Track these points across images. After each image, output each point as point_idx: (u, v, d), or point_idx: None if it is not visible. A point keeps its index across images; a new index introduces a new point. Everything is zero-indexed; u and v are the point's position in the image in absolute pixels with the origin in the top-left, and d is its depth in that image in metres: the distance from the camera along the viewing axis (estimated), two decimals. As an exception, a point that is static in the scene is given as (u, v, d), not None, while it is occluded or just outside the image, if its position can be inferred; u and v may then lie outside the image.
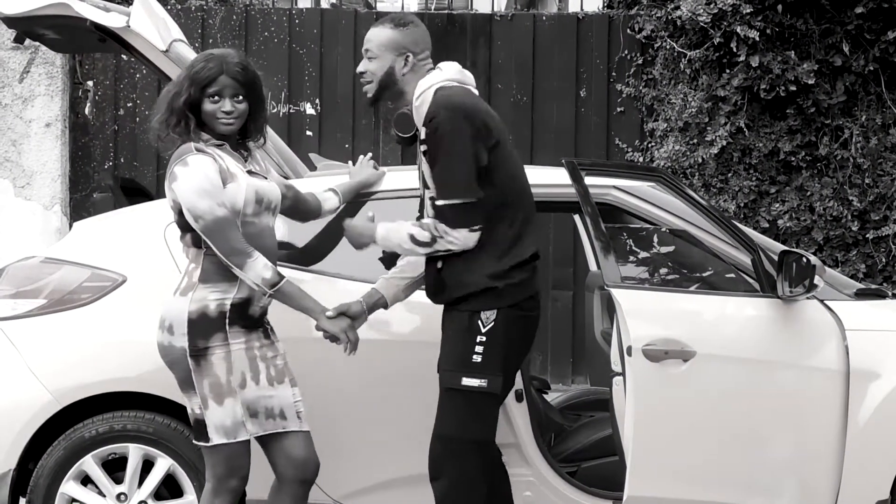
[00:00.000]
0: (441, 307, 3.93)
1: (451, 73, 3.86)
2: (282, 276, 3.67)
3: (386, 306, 4.01)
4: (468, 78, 3.92)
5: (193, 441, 3.77)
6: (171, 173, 3.66)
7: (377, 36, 3.85)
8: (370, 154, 4.47)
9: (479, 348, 3.75)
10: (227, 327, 3.67)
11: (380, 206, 4.40)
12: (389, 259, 4.17)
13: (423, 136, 3.77)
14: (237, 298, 3.69)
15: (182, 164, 3.63)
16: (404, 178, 4.45)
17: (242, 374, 3.68)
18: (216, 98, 3.68)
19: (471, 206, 3.72)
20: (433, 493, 3.86)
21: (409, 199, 4.28)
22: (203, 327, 3.64)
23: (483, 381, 3.75)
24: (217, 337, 3.65)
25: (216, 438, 3.67)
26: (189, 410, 3.73)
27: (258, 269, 3.63)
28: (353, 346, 3.82)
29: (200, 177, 3.61)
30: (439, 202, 3.73)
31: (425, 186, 3.86)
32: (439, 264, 3.82)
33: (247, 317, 3.71)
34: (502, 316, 3.77)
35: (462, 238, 3.72)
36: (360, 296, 3.95)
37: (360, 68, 3.89)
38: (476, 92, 3.92)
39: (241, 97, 3.71)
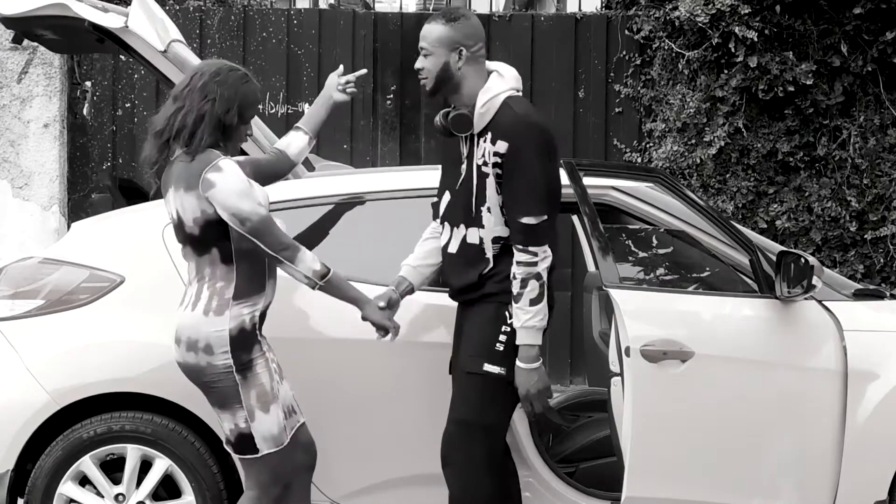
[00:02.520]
0: (441, 307, 3.95)
1: (511, 80, 3.94)
2: (329, 268, 3.69)
3: (412, 292, 4.07)
4: (521, 84, 4.02)
5: (237, 456, 3.77)
6: (203, 181, 3.60)
7: (431, 32, 3.90)
8: (341, 67, 4.42)
9: (502, 338, 3.84)
10: (259, 336, 3.72)
11: (380, 208, 4.41)
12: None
13: (501, 151, 3.79)
14: (264, 307, 3.74)
15: (215, 169, 3.60)
16: (406, 178, 4.46)
17: (276, 379, 3.73)
18: (247, 119, 3.74)
19: (548, 222, 3.81)
20: (445, 478, 3.89)
21: (415, 200, 4.31)
22: (243, 341, 3.66)
23: (503, 369, 3.83)
24: (256, 348, 3.69)
25: (265, 448, 3.69)
26: (230, 426, 3.70)
27: (308, 261, 3.65)
28: (396, 333, 3.90)
29: (237, 179, 3.61)
30: (531, 220, 3.77)
31: (465, 190, 3.89)
32: (484, 270, 3.86)
33: (263, 322, 3.76)
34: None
35: (542, 254, 3.81)
36: (387, 287, 3.99)
37: (416, 65, 3.94)
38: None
39: None
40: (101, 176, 8.24)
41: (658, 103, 8.37)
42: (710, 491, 4.13)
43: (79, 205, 8.27)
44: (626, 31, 8.50)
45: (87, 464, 4.16)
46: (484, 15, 8.67)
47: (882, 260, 8.24)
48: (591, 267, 5.63)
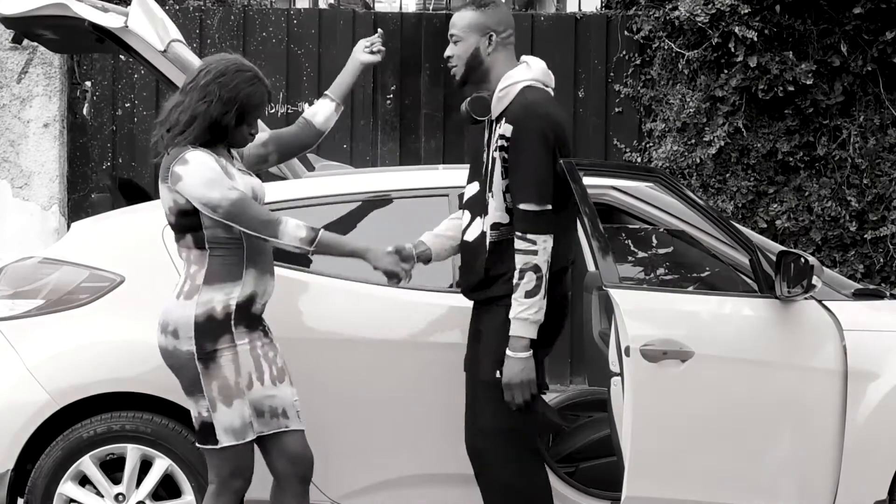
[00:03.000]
0: (442, 308, 3.95)
1: (537, 72, 3.93)
2: (317, 230, 3.66)
3: (429, 261, 4.06)
4: (550, 80, 4.00)
5: (198, 445, 3.76)
6: (171, 174, 3.63)
7: (461, 19, 3.93)
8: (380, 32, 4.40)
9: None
10: (233, 328, 3.67)
11: (380, 208, 4.41)
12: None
13: (506, 135, 3.80)
14: (241, 298, 3.68)
15: (181, 162, 3.61)
16: (408, 178, 4.47)
17: (249, 375, 3.68)
18: (250, 121, 3.72)
19: (550, 213, 3.79)
20: (480, 488, 3.91)
21: (418, 200, 4.31)
22: (210, 330, 3.63)
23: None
24: (224, 339, 3.65)
25: (225, 440, 3.67)
26: (194, 414, 3.71)
27: (292, 231, 3.62)
28: (408, 277, 3.87)
29: (202, 168, 3.60)
30: (531, 206, 3.77)
31: (483, 177, 3.91)
32: (486, 263, 3.87)
33: (250, 316, 3.71)
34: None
35: (541, 242, 3.77)
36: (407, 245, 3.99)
37: (446, 53, 3.95)
38: (553, 94, 4.00)
39: None
40: (101, 176, 8.24)
41: (658, 103, 8.37)
42: (709, 491, 4.13)
43: (79, 205, 8.27)
44: (626, 31, 8.50)
45: (87, 464, 4.16)
46: (484, 15, 8.66)
47: (882, 260, 8.24)
48: (591, 267, 5.63)
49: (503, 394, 3.82)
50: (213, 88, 3.65)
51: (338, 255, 3.75)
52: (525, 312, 3.78)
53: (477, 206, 3.95)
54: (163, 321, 3.70)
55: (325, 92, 4.21)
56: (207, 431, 3.68)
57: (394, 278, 3.84)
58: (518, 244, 3.78)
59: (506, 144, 3.80)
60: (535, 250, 3.76)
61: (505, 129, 3.81)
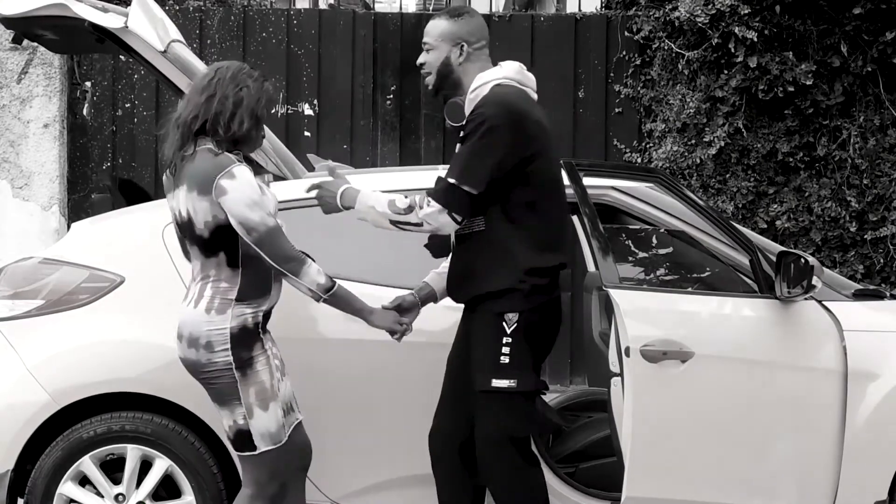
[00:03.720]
0: (443, 308, 3.96)
1: (510, 71, 3.92)
2: (335, 281, 3.70)
3: (436, 300, 4.10)
4: (528, 80, 3.97)
5: (237, 452, 3.78)
6: (216, 187, 3.60)
7: (434, 28, 3.93)
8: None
9: (506, 349, 3.82)
10: (261, 335, 3.72)
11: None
12: (438, 247, 4.17)
13: (464, 124, 3.83)
14: (268, 308, 3.75)
15: (228, 176, 3.60)
16: (417, 177, 4.47)
17: (277, 377, 3.73)
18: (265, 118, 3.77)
19: (467, 195, 3.75)
20: (492, 495, 3.94)
21: None
22: (245, 340, 3.67)
23: (512, 381, 3.83)
24: (257, 346, 3.70)
25: (263, 445, 3.70)
26: (228, 423, 3.72)
27: (313, 274, 3.66)
28: (405, 332, 3.92)
29: (249, 188, 3.62)
30: (443, 176, 3.78)
31: None
32: (467, 257, 3.87)
33: (267, 321, 3.78)
34: (525, 317, 3.84)
35: (441, 221, 3.75)
36: (406, 292, 4.04)
37: (419, 60, 3.97)
38: (535, 95, 3.97)
39: None
40: (101, 176, 8.24)
41: (658, 103, 8.37)
42: (710, 491, 4.13)
43: (79, 205, 8.27)
44: (626, 32, 8.50)
45: (87, 464, 4.16)
46: (484, 15, 8.66)
47: (882, 260, 8.24)
48: (591, 267, 5.63)
49: (500, 402, 3.83)
50: (244, 78, 3.70)
51: (343, 310, 3.80)
52: (371, 199, 3.81)
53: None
54: (190, 335, 3.68)
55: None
56: (244, 439, 3.70)
57: (394, 335, 3.92)
58: (413, 214, 3.77)
59: (462, 133, 3.82)
60: (423, 208, 3.74)
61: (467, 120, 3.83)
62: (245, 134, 3.68)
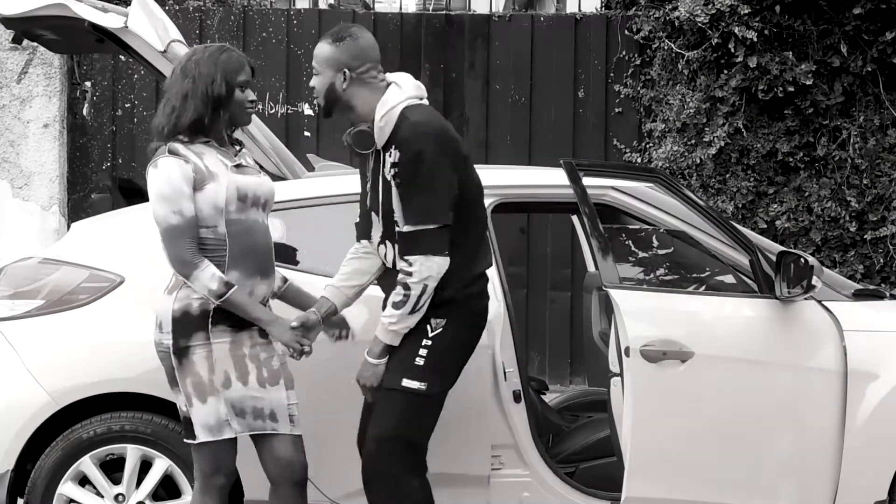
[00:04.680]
0: None
1: (410, 89, 3.83)
2: (230, 287, 3.62)
3: (336, 314, 3.99)
4: (423, 91, 3.89)
5: (184, 439, 3.79)
6: (146, 173, 3.68)
7: (319, 52, 3.83)
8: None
9: (423, 352, 3.77)
10: (211, 327, 3.66)
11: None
12: (364, 229, 4.06)
13: (395, 161, 3.72)
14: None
15: (153, 165, 3.66)
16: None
17: (226, 374, 3.67)
18: (244, 88, 3.71)
19: (446, 230, 3.71)
20: (367, 499, 3.83)
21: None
22: (185, 326, 3.65)
23: (423, 384, 3.77)
24: (199, 336, 3.65)
25: (202, 436, 3.68)
26: (179, 407, 3.75)
27: (204, 279, 3.61)
28: (304, 354, 3.78)
29: (163, 181, 3.61)
30: (409, 228, 3.70)
31: (382, 207, 3.82)
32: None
33: (233, 316, 3.69)
34: (451, 324, 3.79)
35: (431, 266, 3.69)
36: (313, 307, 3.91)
37: (311, 83, 3.90)
38: (428, 103, 3.90)
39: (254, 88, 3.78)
40: (101, 176, 8.24)
41: (658, 103, 8.37)
42: (710, 491, 4.13)
43: (79, 205, 8.27)
44: (626, 32, 8.51)
45: (87, 464, 4.16)
46: (484, 15, 8.68)
47: (882, 260, 8.24)
48: (591, 267, 5.63)
49: (406, 403, 3.77)
50: (191, 66, 3.68)
51: (245, 317, 3.70)
52: (386, 320, 3.75)
53: (387, 233, 3.83)
54: (156, 314, 3.74)
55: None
56: (188, 425, 3.71)
57: (296, 352, 3.78)
58: (399, 264, 3.73)
59: (395, 171, 3.72)
60: (410, 271, 3.68)
61: (394, 155, 3.73)
62: (198, 121, 3.64)
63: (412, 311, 3.72)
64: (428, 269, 3.69)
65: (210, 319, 3.66)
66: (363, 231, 3.99)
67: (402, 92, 3.80)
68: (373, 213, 3.89)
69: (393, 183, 3.75)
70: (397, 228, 3.75)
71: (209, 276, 3.61)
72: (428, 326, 3.78)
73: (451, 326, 3.79)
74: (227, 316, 3.68)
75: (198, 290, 3.62)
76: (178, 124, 3.66)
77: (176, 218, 3.61)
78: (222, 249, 3.68)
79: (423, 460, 3.86)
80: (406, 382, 3.76)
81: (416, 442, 3.81)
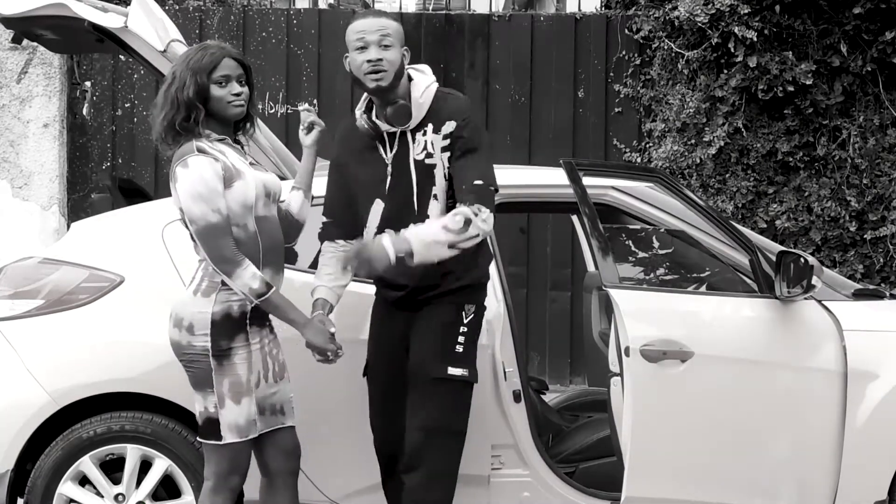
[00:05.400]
0: None
1: (432, 76, 3.93)
2: (270, 287, 3.64)
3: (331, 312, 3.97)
4: None
5: (199, 439, 3.77)
6: (173, 173, 3.64)
7: (390, 25, 3.80)
8: (305, 105, 4.21)
9: (461, 339, 3.82)
10: (248, 327, 3.69)
11: None
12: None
13: (450, 132, 3.76)
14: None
15: (182, 164, 3.61)
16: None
17: (258, 373, 3.71)
18: (223, 83, 3.67)
19: (496, 193, 3.79)
20: (406, 483, 3.83)
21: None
22: (227, 328, 3.65)
23: (465, 370, 3.81)
24: (239, 337, 3.67)
25: (229, 437, 3.68)
26: (199, 409, 3.71)
27: (246, 278, 3.60)
28: (338, 356, 3.80)
29: (196, 180, 3.59)
30: (479, 182, 3.72)
31: (415, 186, 3.83)
32: (443, 265, 3.77)
33: (262, 314, 3.73)
34: (478, 309, 3.87)
35: (491, 222, 3.72)
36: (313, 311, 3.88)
37: (375, 55, 3.76)
38: None
39: (243, 81, 3.72)
40: (101, 176, 8.24)
41: (658, 103, 8.37)
42: (710, 491, 4.14)
43: (78, 205, 8.27)
44: (626, 31, 8.51)
45: (87, 464, 4.16)
46: (484, 15, 8.68)
47: (882, 260, 8.24)
48: (590, 267, 5.63)
49: (452, 392, 3.80)
50: (175, 70, 3.69)
51: (278, 317, 3.72)
52: (429, 237, 3.59)
53: (395, 221, 3.79)
54: (177, 315, 3.69)
55: (293, 183, 4.07)
56: (212, 427, 3.68)
57: (322, 357, 3.78)
58: (468, 211, 3.64)
59: (450, 142, 3.77)
60: (479, 215, 3.63)
61: (448, 126, 3.77)
62: (169, 124, 3.63)
63: (451, 245, 3.61)
64: (490, 224, 3.71)
65: (247, 320, 3.68)
66: (340, 231, 3.97)
67: (429, 76, 3.89)
68: (376, 202, 3.87)
69: (438, 160, 3.78)
70: (463, 185, 3.73)
71: (251, 274, 3.61)
72: (462, 313, 3.83)
73: (477, 312, 3.87)
74: (258, 315, 3.71)
75: (238, 288, 3.60)
76: (166, 127, 3.66)
77: (215, 216, 3.59)
78: (255, 248, 3.69)
79: (462, 449, 3.89)
80: (451, 370, 3.79)
81: (461, 430, 3.86)
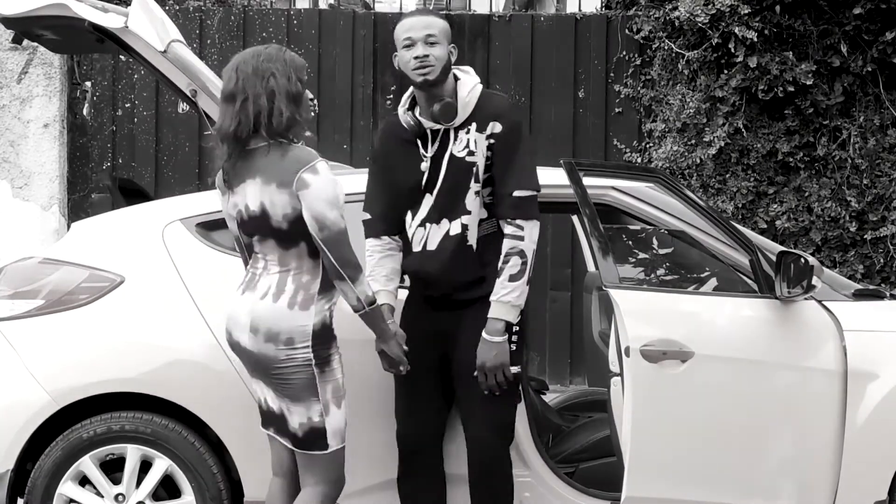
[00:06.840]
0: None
1: (476, 76, 4.06)
2: (376, 297, 3.73)
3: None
4: None
5: (305, 452, 3.71)
6: (298, 180, 3.57)
7: (436, 23, 3.96)
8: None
9: (514, 338, 3.93)
10: (334, 331, 3.74)
11: None
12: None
13: (495, 132, 3.89)
14: (335, 302, 3.74)
15: (312, 171, 3.58)
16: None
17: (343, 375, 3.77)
18: (305, 83, 3.73)
19: (536, 199, 3.92)
20: (481, 494, 3.95)
21: None
22: (325, 336, 3.67)
23: (518, 368, 3.94)
24: (334, 343, 3.72)
25: (335, 443, 3.70)
26: (300, 421, 3.66)
27: (365, 283, 3.65)
28: (407, 368, 3.90)
29: (332, 186, 3.60)
30: (521, 192, 3.87)
31: (454, 180, 3.92)
32: (477, 260, 3.93)
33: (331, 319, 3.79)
34: (525, 308, 3.98)
35: (536, 231, 3.90)
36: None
37: (422, 52, 3.90)
38: None
39: None
40: (101, 176, 8.24)
41: (658, 103, 8.37)
42: (709, 491, 4.13)
43: (79, 205, 8.27)
44: (626, 32, 8.51)
45: (87, 464, 4.16)
46: (484, 15, 8.68)
47: (882, 260, 8.24)
48: (591, 267, 5.63)
49: (511, 392, 3.91)
50: (265, 66, 3.62)
51: (372, 327, 3.76)
52: (508, 296, 3.86)
53: (432, 215, 3.95)
54: (270, 330, 3.62)
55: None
56: (317, 437, 3.67)
57: (394, 367, 3.88)
58: (507, 229, 3.88)
59: (493, 142, 3.89)
60: (522, 235, 3.86)
61: (493, 127, 3.90)
62: (290, 119, 3.62)
63: (528, 280, 3.89)
64: (536, 233, 3.89)
65: (333, 325, 3.72)
66: (383, 226, 4.06)
67: (473, 77, 4.01)
68: (426, 195, 3.96)
69: (479, 158, 3.88)
70: (502, 191, 3.88)
71: (368, 282, 3.69)
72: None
73: (524, 311, 3.98)
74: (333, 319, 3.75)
75: (356, 293, 3.61)
76: (269, 118, 3.59)
77: (343, 221, 3.61)
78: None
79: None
80: (513, 369, 3.90)
81: (514, 423, 4.04)
